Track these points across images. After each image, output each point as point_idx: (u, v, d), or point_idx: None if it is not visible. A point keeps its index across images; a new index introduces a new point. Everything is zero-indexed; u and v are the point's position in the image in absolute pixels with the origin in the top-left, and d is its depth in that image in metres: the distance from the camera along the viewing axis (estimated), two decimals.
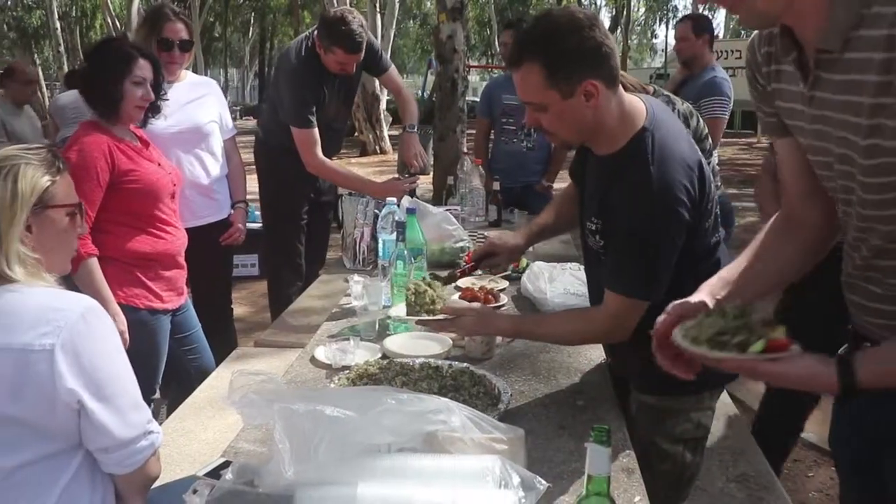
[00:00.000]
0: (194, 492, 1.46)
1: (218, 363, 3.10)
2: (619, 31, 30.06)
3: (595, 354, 2.28)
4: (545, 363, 2.21)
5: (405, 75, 28.77)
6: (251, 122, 36.30)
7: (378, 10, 17.61)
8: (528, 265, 3.21)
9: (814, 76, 1.28)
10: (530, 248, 3.67)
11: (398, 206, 3.22)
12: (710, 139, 3.43)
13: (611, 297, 1.84)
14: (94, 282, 2.56)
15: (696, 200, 1.80)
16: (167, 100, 2.94)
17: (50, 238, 1.61)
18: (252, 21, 40.25)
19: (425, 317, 2.15)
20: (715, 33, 4.73)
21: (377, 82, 18.28)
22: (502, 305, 2.71)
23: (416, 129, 4.13)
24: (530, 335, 2.14)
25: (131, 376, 1.57)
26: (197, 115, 3.37)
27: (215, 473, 1.55)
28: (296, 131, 3.73)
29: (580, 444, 1.72)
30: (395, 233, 2.66)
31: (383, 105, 18.88)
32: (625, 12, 29.13)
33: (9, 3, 23.31)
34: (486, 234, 3.97)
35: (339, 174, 3.93)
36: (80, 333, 1.46)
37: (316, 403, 1.30)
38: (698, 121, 3.31)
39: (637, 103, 1.89)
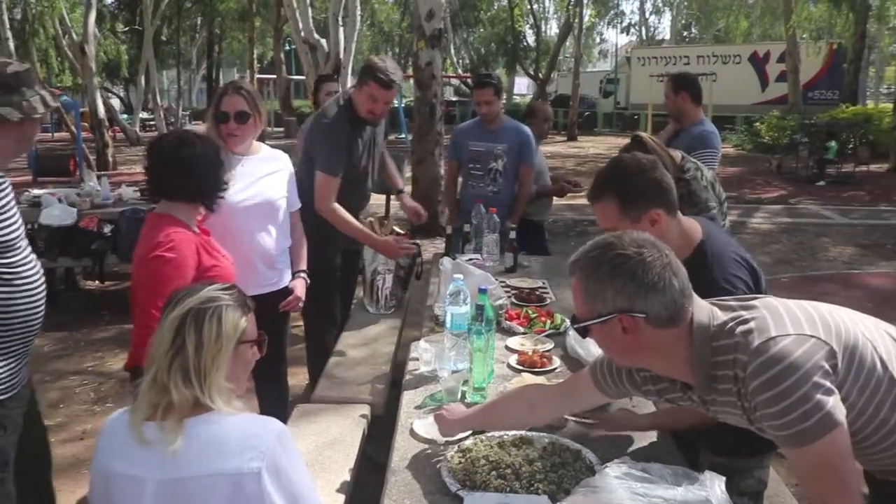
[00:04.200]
0: None
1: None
2: (570, 37, 30.47)
3: None
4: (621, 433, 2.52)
5: (356, 77, 28.98)
6: (201, 128, 36.00)
7: (340, 23, 17.72)
8: (563, 321, 3.52)
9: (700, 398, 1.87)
10: (553, 299, 4.01)
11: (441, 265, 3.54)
12: (724, 197, 3.78)
13: None
14: None
15: (752, 288, 2.27)
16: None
17: (239, 369, 1.87)
18: (199, 25, 39.84)
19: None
20: (698, 92, 4.97)
21: (340, 94, 18.43)
22: (555, 368, 3.03)
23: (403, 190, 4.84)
24: (665, 426, 2.49)
25: (313, 482, 1.85)
26: (270, 191, 3.51)
27: None
28: (320, 176, 4.06)
29: None
30: (462, 306, 2.96)
31: None
32: (576, 20, 29.52)
33: None
34: (506, 280, 4.29)
35: (347, 223, 4.19)
36: (279, 454, 1.72)
37: None
38: (719, 186, 3.69)
39: (692, 222, 2.38)
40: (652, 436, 2.50)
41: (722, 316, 1.78)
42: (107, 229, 6.90)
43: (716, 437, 2.37)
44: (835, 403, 1.61)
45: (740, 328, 1.72)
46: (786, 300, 1.84)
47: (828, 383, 1.62)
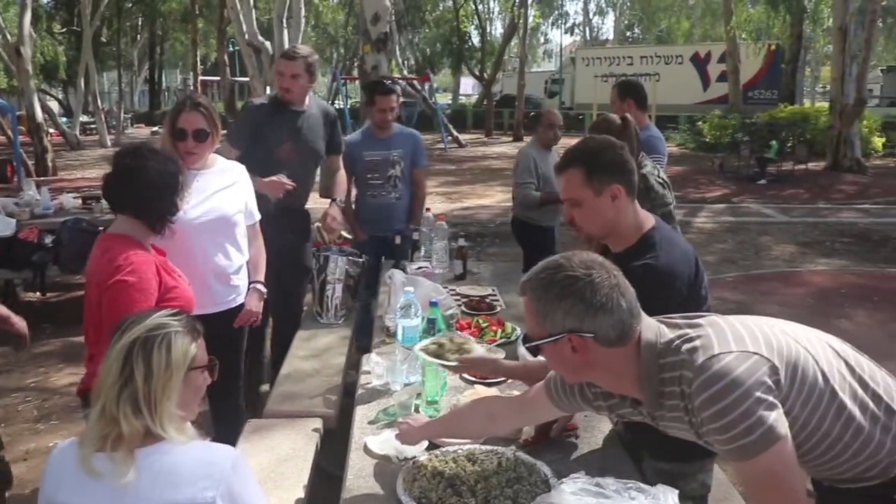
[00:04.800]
0: None
1: (229, 441, 3.23)
2: (514, 38, 30.63)
3: (606, 426, 2.65)
4: (569, 444, 2.55)
5: None
6: (144, 131, 35.48)
7: (284, 25, 17.57)
8: (514, 330, 3.54)
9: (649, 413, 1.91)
10: (503, 307, 4.03)
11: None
12: (674, 203, 3.88)
13: None
14: None
15: (692, 283, 2.36)
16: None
17: (190, 395, 1.83)
18: (141, 25, 39.18)
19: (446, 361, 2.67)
20: (644, 99, 5.05)
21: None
22: (507, 379, 3.03)
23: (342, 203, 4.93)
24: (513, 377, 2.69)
25: None
26: (226, 206, 3.39)
27: None
28: (222, 144, 4.07)
29: None
30: (413, 318, 2.96)
31: None
32: (521, 20, 29.69)
33: None
34: (455, 288, 4.31)
35: None
36: (233, 482, 1.70)
37: None
38: (671, 188, 3.81)
39: (647, 214, 2.48)
40: (601, 444, 2.54)
41: (669, 334, 1.83)
42: (48, 240, 6.73)
43: (658, 443, 2.42)
44: (777, 417, 1.66)
45: (686, 346, 1.77)
46: (730, 317, 1.88)
47: (770, 398, 1.67)
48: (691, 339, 1.77)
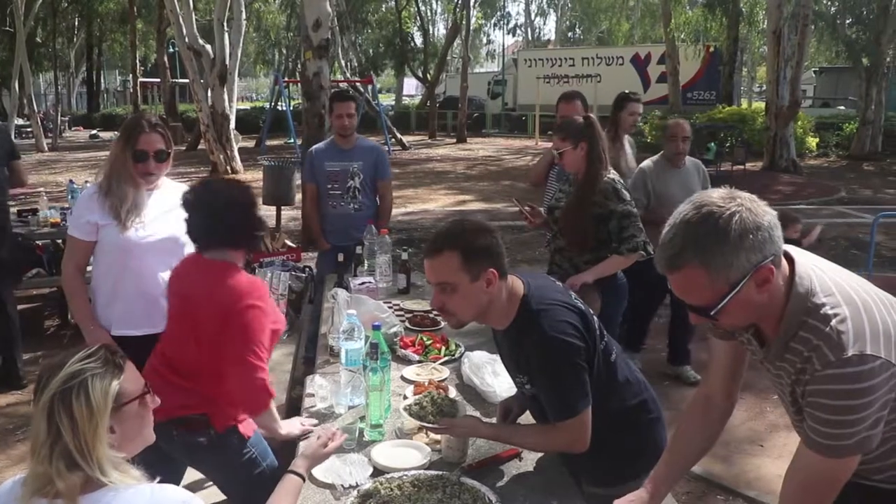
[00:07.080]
0: None
1: None
2: (457, 39, 30.73)
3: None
4: (513, 464, 2.57)
5: (241, 79, 28.35)
6: (82, 134, 34.72)
7: (225, 28, 17.38)
8: (458, 347, 3.56)
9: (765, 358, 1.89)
10: (443, 324, 4.05)
11: (338, 295, 3.54)
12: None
13: (560, 424, 2.38)
14: (272, 422, 2.87)
15: (582, 330, 2.38)
16: None
17: (130, 428, 1.76)
18: (77, 26, 38.35)
19: (429, 423, 2.60)
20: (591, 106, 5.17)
21: (226, 101, 18.11)
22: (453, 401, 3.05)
23: None
24: (507, 441, 2.58)
25: None
26: (175, 226, 3.31)
27: None
28: None
29: None
30: (357, 341, 2.96)
31: (233, 124, 18.61)
32: (463, 22, 29.80)
33: None
34: (399, 303, 4.31)
35: None
36: None
37: None
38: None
39: (516, 281, 2.48)
40: (546, 468, 2.57)
41: (819, 293, 1.74)
42: None
43: (593, 469, 2.55)
44: (877, 434, 1.68)
45: (835, 322, 1.69)
46: (867, 287, 1.82)
47: (884, 413, 1.68)
48: (843, 319, 1.69)
